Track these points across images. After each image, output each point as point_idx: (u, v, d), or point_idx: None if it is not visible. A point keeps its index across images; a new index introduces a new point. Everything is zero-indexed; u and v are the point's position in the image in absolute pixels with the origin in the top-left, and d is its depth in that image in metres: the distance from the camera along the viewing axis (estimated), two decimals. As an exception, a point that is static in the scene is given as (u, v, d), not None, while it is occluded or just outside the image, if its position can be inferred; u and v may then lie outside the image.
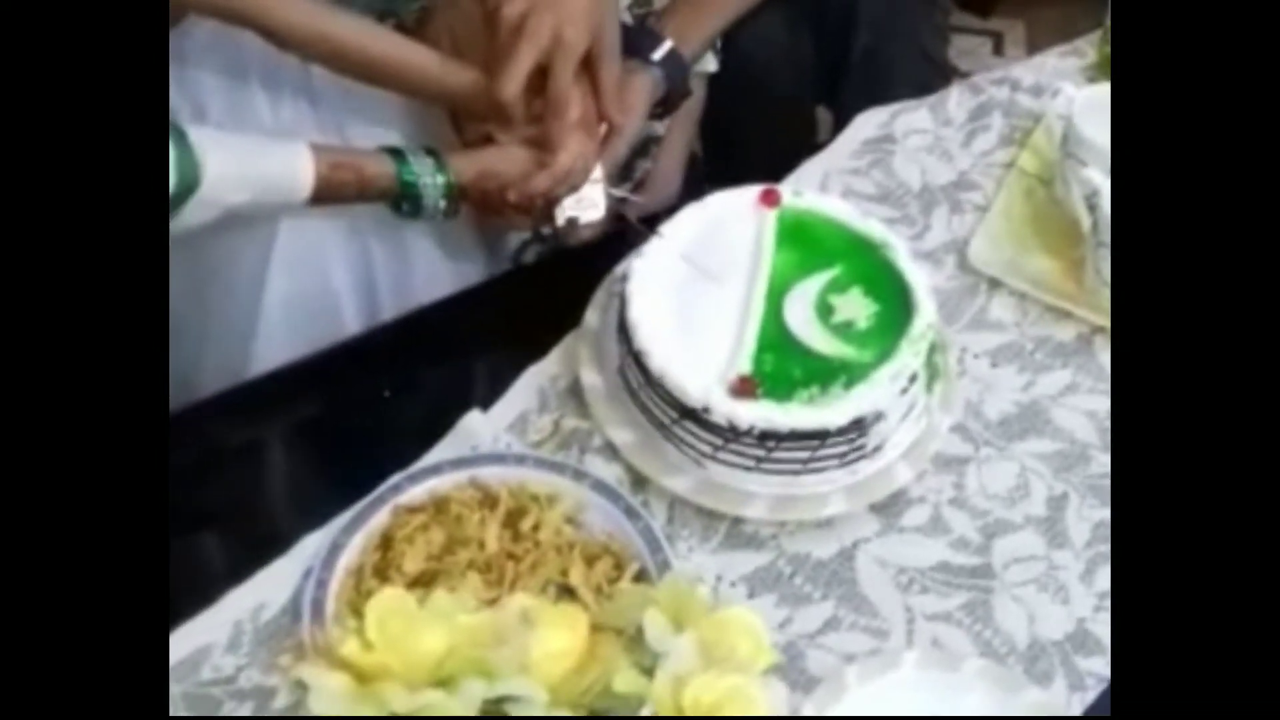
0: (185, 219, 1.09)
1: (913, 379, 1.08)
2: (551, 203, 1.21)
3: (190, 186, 1.07)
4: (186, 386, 1.26)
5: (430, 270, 1.33)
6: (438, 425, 1.10)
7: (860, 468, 1.07)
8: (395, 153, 1.17)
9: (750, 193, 1.16)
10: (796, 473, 1.06)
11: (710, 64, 1.46)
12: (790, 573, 1.05)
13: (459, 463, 1.06)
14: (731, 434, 1.04)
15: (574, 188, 1.20)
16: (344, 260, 1.28)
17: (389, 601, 0.75)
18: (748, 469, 1.06)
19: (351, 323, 1.28)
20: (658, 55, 1.33)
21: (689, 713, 0.74)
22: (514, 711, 0.73)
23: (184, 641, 0.96)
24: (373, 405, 1.13)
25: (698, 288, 1.11)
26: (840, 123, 1.41)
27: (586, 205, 1.22)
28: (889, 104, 1.38)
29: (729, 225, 1.14)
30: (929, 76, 1.47)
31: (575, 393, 1.12)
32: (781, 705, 0.86)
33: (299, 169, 1.12)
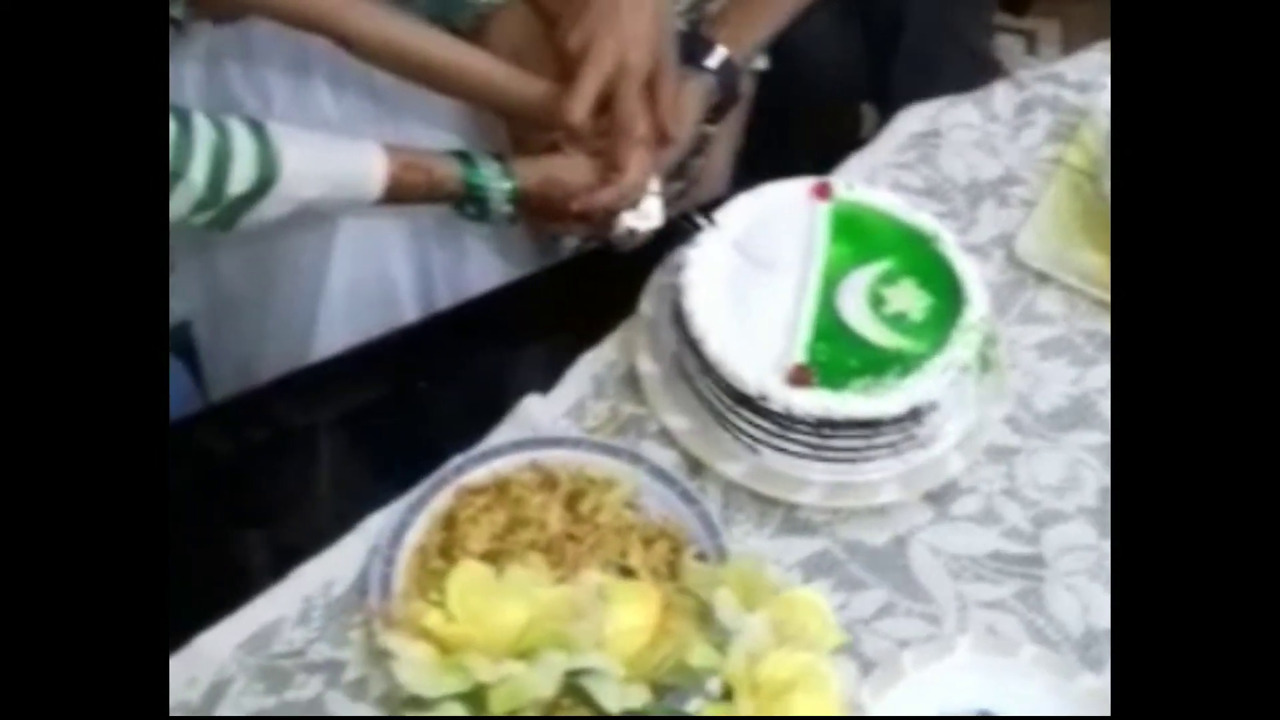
0: (261, 212, 1.11)
1: (965, 370, 1.10)
2: (611, 214, 1.23)
3: (269, 181, 1.09)
4: (247, 372, 1.28)
5: (485, 261, 1.35)
6: (497, 409, 1.11)
7: (913, 457, 1.09)
8: (463, 156, 1.19)
9: (803, 185, 1.18)
10: (851, 460, 1.07)
11: (760, 62, 1.48)
12: (845, 559, 1.07)
13: (519, 445, 1.08)
14: (787, 421, 1.05)
15: (635, 203, 1.23)
16: (404, 251, 1.30)
17: (469, 575, 0.77)
18: (802, 456, 1.07)
19: (410, 312, 1.30)
20: (712, 63, 1.35)
21: (764, 688, 0.76)
22: (591, 684, 0.75)
23: (256, 615, 0.98)
24: (433, 390, 1.15)
25: (751, 277, 1.12)
26: (886, 119, 1.42)
27: (643, 216, 1.24)
28: (936, 97, 1.39)
29: (781, 216, 1.16)
30: (975, 73, 1.48)
31: (631, 380, 1.14)
32: (851, 683, 0.87)
33: (372, 168, 1.14)
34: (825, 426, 1.05)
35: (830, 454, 1.07)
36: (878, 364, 1.07)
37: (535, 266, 1.38)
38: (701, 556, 1.02)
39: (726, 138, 1.48)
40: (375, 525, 1.03)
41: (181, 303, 1.38)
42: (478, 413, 1.11)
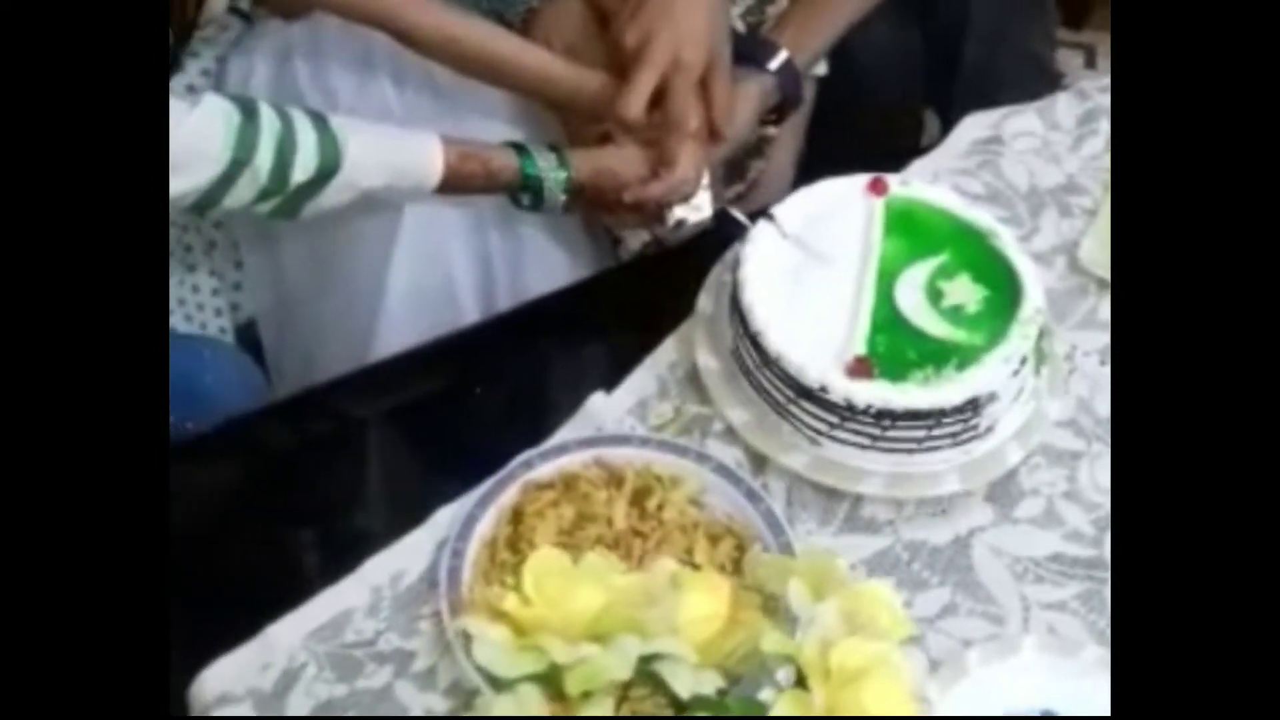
0: (323, 201, 1.14)
1: (1023, 361, 1.10)
2: (663, 206, 1.24)
3: (332, 169, 1.12)
4: (311, 371, 1.30)
5: (545, 263, 1.37)
6: (563, 407, 1.13)
7: (973, 447, 1.10)
8: (519, 148, 1.22)
9: (858, 181, 1.19)
10: (911, 451, 1.08)
11: (820, 67, 1.49)
12: (908, 558, 1.07)
13: (585, 442, 1.09)
14: (848, 412, 1.06)
15: (686, 196, 1.25)
16: (465, 254, 1.32)
17: (545, 560, 0.78)
18: (863, 447, 1.08)
19: (470, 313, 1.31)
20: (773, 65, 1.36)
21: (835, 675, 0.76)
22: (664, 670, 0.76)
23: (327, 605, 0.99)
24: (498, 388, 1.16)
25: (808, 271, 1.13)
26: (948, 126, 1.43)
27: (694, 208, 1.26)
28: (996, 108, 1.40)
29: (837, 211, 1.17)
30: (1037, 83, 1.49)
31: (694, 380, 1.15)
32: (922, 674, 0.88)
33: (431, 158, 1.17)
34: (885, 418, 1.06)
35: (890, 445, 1.07)
36: (937, 356, 1.08)
37: (595, 268, 1.39)
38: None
39: (788, 142, 1.50)
40: (444, 519, 1.04)
41: (249, 301, 1.40)
42: (544, 410, 1.12)
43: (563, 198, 1.23)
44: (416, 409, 1.16)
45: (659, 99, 1.23)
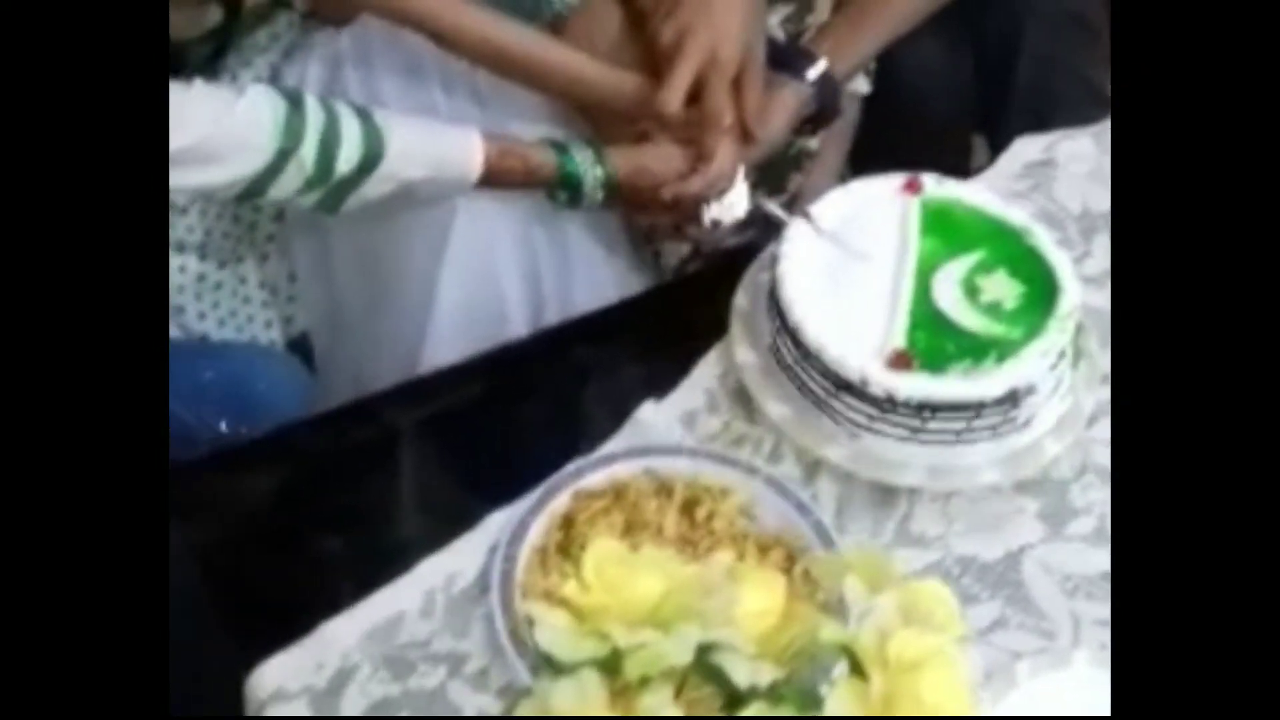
0: (366, 192, 1.17)
1: (1061, 356, 1.11)
2: (699, 204, 1.27)
3: (375, 160, 1.16)
4: (360, 383, 1.31)
5: (593, 277, 1.38)
6: (613, 418, 1.13)
7: (1011, 441, 1.10)
8: (558, 145, 1.25)
9: (893, 180, 1.21)
10: (950, 444, 1.09)
11: (862, 85, 1.51)
12: (958, 573, 1.07)
13: (635, 453, 1.10)
14: (889, 405, 1.07)
15: (722, 192, 1.28)
16: (513, 269, 1.33)
17: (605, 549, 0.78)
18: (902, 440, 1.09)
19: (519, 327, 1.33)
20: (811, 75, 1.38)
21: (893, 665, 0.76)
22: (722, 660, 0.76)
23: (382, 606, 1.00)
24: (550, 398, 1.17)
25: (845, 268, 1.15)
26: (998, 149, 1.43)
27: (729, 207, 1.29)
28: (1051, 131, 1.40)
29: (873, 210, 1.19)
30: (1092, 108, 1.50)
31: (741, 392, 1.16)
32: (977, 672, 0.88)
33: (471, 152, 1.21)
34: (926, 409, 1.07)
35: (930, 437, 1.08)
36: (976, 350, 1.10)
37: (641, 283, 1.41)
38: (815, 566, 1.02)
39: (830, 158, 1.51)
40: (495, 523, 1.05)
41: (301, 313, 1.42)
42: (594, 420, 1.13)
43: (600, 195, 1.25)
44: (468, 417, 1.16)
45: (694, 96, 1.26)
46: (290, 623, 0.98)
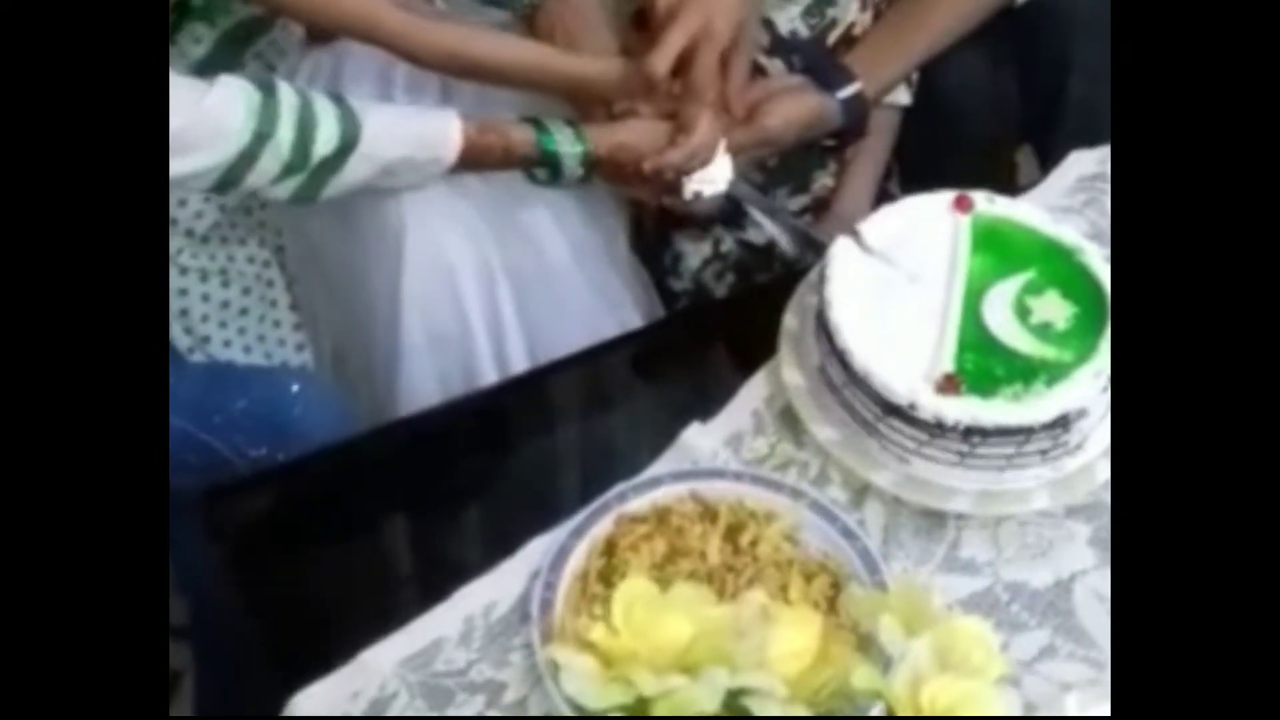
0: (346, 176, 1.17)
1: None
2: (680, 174, 1.27)
3: (353, 140, 1.16)
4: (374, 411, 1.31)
5: (582, 310, 1.37)
6: (657, 440, 1.12)
7: (1063, 464, 1.08)
8: (537, 123, 1.24)
9: (943, 198, 1.19)
10: (1000, 469, 1.07)
11: (903, 96, 1.49)
12: (1007, 600, 1.05)
13: (680, 476, 1.09)
14: (937, 430, 1.06)
15: (703, 163, 1.27)
16: (476, 297, 1.32)
17: (634, 590, 0.78)
18: (951, 465, 1.07)
19: (487, 367, 1.31)
20: (842, 95, 1.38)
21: (926, 713, 0.75)
22: (753, 704, 0.75)
23: (420, 633, 1.00)
24: (594, 420, 1.17)
25: (895, 288, 1.13)
26: (1049, 164, 1.41)
27: (710, 181, 1.28)
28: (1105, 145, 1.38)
29: (922, 228, 1.17)
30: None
31: (788, 414, 1.14)
32: (1022, 705, 0.86)
33: (449, 129, 1.20)
34: (974, 434, 1.05)
35: (979, 462, 1.07)
36: (1026, 373, 1.08)
37: (641, 298, 1.41)
38: (862, 592, 1.01)
39: (864, 168, 1.50)
40: (537, 549, 1.04)
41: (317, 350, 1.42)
42: (638, 443, 1.12)
43: (580, 172, 1.25)
44: (509, 440, 1.16)
45: (679, 69, 1.25)
46: (328, 649, 0.98)
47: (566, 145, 1.24)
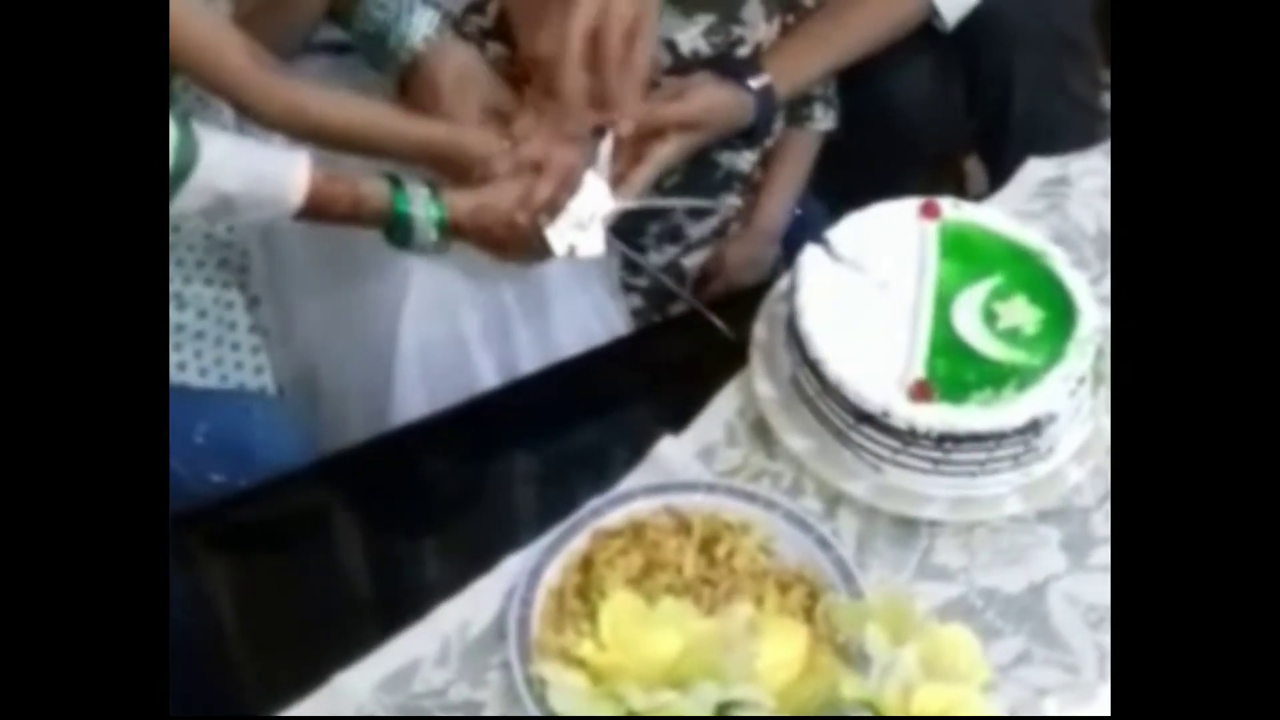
0: (181, 204, 1.10)
1: (1081, 381, 1.10)
2: (553, 213, 1.20)
3: (186, 169, 1.08)
4: (341, 433, 1.29)
5: (569, 311, 1.36)
6: (630, 454, 1.12)
7: (1034, 469, 1.09)
8: (393, 178, 1.18)
9: (910, 204, 1.19)
10: (973, 474, 1.08)
11: (827, 121, 1.49)
12: (981, 606, 1.06)
13: (653, 490, 1.08)
14: (910, 437, 1.06)
15: (573, 189, 1.21)
16: (475, 307, 1.30)
17: (621, 605, 0.77)
18: (925, 472, 1.07)
19: (487, 373, 1.30)
20: (754, 84, 1.36)
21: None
22: (742, 716, 0.75)
23: (396, 654, 0.99)
24: (564, 435, 1.16)
25: (864, 295, 1.13)
26: (997, 176, 1.42)
27: (588, 236, 1.22)
28: (1056, 155, 1.38)
29: (890, 235, 1.17)
30: (1092, 125, 1.48)
31: (760, 426, 1.14)
32: (1002, 710, 0.86)
33: (295, 171, 1.13)
34: (947, 441, 1.06)
35: (952, 468, 1.07)
36: (995, 378, 1.08)
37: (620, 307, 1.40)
38: (838, 602, 1.01)
39: (779, 200, 1.49)
40: (512, 566, 1.03)
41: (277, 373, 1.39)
42: (610, 457, 1.12)
43: (434, 236, 1.18)
44: (481, 458, 1.15)
45: (549, 90, 1.21)
46: (302, 674, 0.97)
47: (420, 208, 1.17)
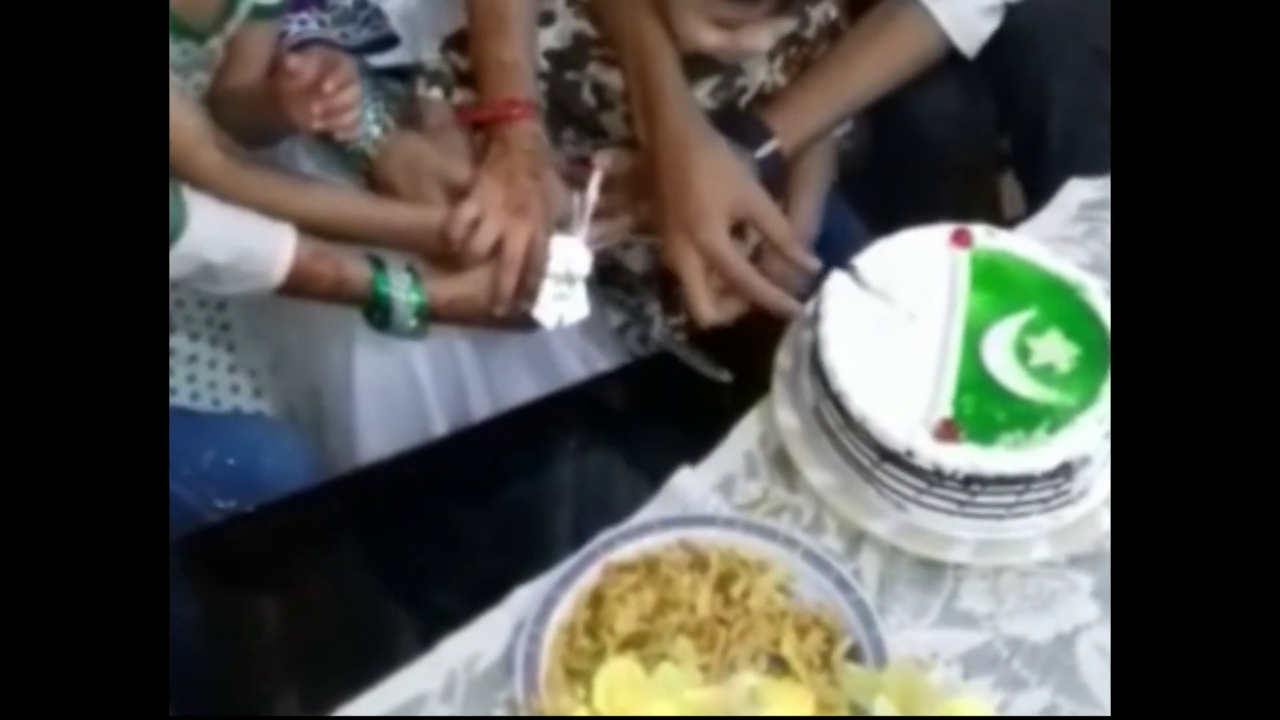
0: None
1: None
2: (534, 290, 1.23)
3: (174, 233, 1.10)
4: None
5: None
6: (646, 485, 1.09)
7: (1064, 513, 1.05)
8: (376, 260, 1.20)
9: (941, 232, 1.15)
10: (1000, 517, 1.04)
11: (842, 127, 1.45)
12: (1007, 655, 1.02)
13: (669, 523, 1.05)
14: (935, 478, 1.03)
15: (539, 268, 1.22)
16: (427, 349, 1.29)
17: (617, 672, 0.75)
18: (950, 513, 1.04)
19: (439, 419, 1.29)
20: (761, 152, 1.33)
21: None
22: (742, 791, 0.72)
23: (401, 688, 0.97)
24: (580, 463, 1.13)
25: (891, 327, 1.10)
26: (1035, 196, 1.38)
27: (575, 306, 1.24)
28: (1095, 176, 1.34)
29: (920, 264, 1.13)
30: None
31: (781, 457, 1.11)
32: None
33: (281, 247, 1.16)
34: (974, 483, 1.02)
35: (979, 510, 1.04)
36: (1027, 418, 1.04)
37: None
38: (856, 649, 0.98)
39: (806, 191, 1.44)
40: (522, 599, 1.01)
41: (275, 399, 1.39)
42: (626, 487, 1.10)
43: (413, 322, 1.21)
44: (492, 484, 1.13)
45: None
46: (305, 708, 0.95)
47: (401, 292, 1.19)
